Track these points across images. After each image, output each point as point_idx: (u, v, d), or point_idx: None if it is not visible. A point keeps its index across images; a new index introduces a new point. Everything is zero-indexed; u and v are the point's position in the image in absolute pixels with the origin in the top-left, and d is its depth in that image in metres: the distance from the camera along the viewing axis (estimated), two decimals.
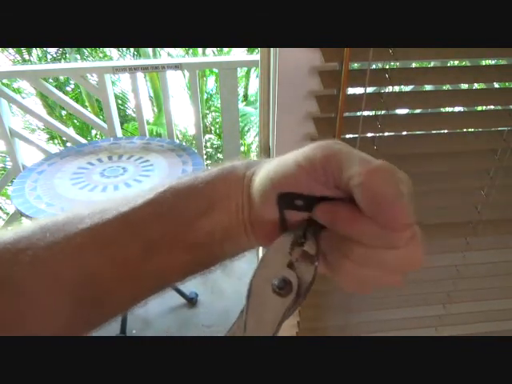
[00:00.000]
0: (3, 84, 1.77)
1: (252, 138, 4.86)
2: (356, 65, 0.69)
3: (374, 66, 0.62)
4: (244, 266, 1.93)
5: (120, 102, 4.91)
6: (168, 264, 0.27)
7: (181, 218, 0.27)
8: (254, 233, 0.28)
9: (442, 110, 0.78)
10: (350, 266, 0.23)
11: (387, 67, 0.61)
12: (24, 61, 4.56)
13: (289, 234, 0.25)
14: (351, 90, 0.63)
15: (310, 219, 0.25)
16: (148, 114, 4.99)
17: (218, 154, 5.26)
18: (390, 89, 0.64)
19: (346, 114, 0.63)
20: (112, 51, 5.09)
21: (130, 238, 0.27)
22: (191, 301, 1.73)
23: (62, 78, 4.60)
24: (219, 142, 5.26)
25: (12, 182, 1.67)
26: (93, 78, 2.36)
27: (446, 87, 1.65)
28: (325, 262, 0.25)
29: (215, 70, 4.36)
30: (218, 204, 0.27)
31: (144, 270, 0.27)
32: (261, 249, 0.99)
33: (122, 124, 2.32)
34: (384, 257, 0.22)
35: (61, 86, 4.69)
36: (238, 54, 5.33)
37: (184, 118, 5.20)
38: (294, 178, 0.24)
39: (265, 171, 0.26)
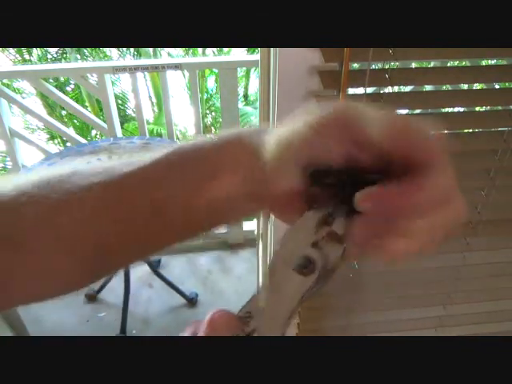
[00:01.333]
0: (3, 84, 1.77)
1: None
2: (356, 65, 0.69)
3: (373, 66, 0.62)
4: (244, 266, 1.93)
5: (120, 102, 4.91)
6: (170, 224, 0.27)
7: (186, 181, 0.26)
8: (265, 204, 0.27)
9: (442, 110, 0.78)
10: (404, 243, 0.22)
11: (387, 67, 0.61)
12: (24, 61, 4.56)
13: (316, 211, 0.23)
14: (351, 90, 0.63)
15: (341, 197, 0.23)
16: (148, 113, 4.99)
17: None
18: (390, 89, 0.64)
19: None
20: (112, 51, 5.09)
21: (137, 198, 0.26)
22: (191, 301, 1.73)
23: (62, 78, 4.60)
24: None
25: None
26: (93, 78, 2.36)
27: (446, 87, 1.65)
28: (369, 246, 0.23)
29: (215, 70, 4.36)
30: (223, 172, 0.26)
31: (149, 231, 0.27)
32: (261, 249, 0.98)
33: (122, 124, 2.32)
34: (436, 219, 0.21)
35: (61, 86, 4.69)
36: (238, 54, 5.33)
37: (184, 117, 5.20)
38: (311, 142, 0.22)
39: (277, 142, 0.24)
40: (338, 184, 0.23)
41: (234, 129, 0.28)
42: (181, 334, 0.23)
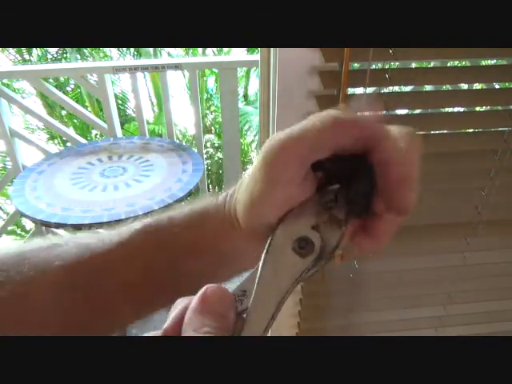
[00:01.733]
0: (3, 84, 1.77)
1: (252, 137, 4.86)
2: (356, 65, 0.69)
3: (373, 66, 0.62)
4: None
5: (120, 102, 4.91)
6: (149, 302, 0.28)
7: (162, 260, 0.28)
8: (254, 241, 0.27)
9: (442, 110, 0.78)
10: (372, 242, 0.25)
11: (387, 67, 0.61)
12: (24, 61, 4.56)
13: (319, 195, 0.24)
14: (351, 90, 0.63)
15: (344, 183, 0.24)
16: (148, 113, 4.99)
17: (218, 154, 5.26)
18: (390, 89, 0.64)
19: None
20: (112, 51, 5.09)
21: (106, 281, 0.27)
22: None
23: (62, 78, 4.60)
24: (219, 142, 5.26)
25: (12, 181, 1.67)
26: (93, 78, 2.35)
27: (446, 87, 1.65)
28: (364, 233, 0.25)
29: (215, 70, 4.36)
30: (198, 250, 0.28)
31: (121, 310, 0.28)
32: None
33: (122, 124, 2.32)
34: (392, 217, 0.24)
35: (61, 86, 4.69)
36: (238, 54, 5.33)
37: (184, 117, 5.20)
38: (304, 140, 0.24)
39: (244, 188, 0.26)
40: (337, 170, 0.24)
41: (199, 200, 0.29)
42: (170, 313, 0.21)
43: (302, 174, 0.23)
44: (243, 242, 0.27)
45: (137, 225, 0.28)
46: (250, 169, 0.26)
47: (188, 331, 0.19)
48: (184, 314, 0.20)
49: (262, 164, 0.24)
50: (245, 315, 0.21)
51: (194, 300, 0.20)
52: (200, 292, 0.20)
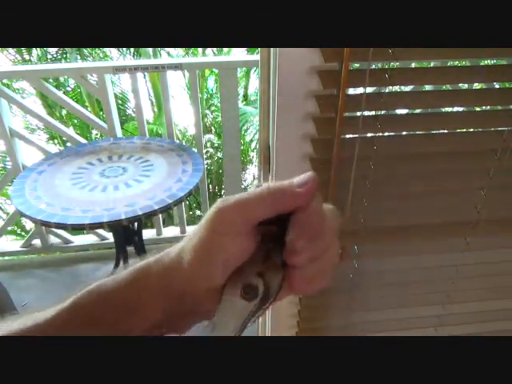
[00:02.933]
0: (3, 84, 1.77)
1: (251, 136, 4.86)
2: (356, 65, 0.69)
3: (373, 66, 0.62)
4: None
5: (120, 102, 4.91)
6: None
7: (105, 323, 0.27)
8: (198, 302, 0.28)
9: (442, 110, 0.78)
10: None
11: (387, 67, 0.61)
12: (24, 61, 4.56)
13: (263, 244, 0.27)
14: (351, 90, 0.63)
15: (279, 233, 0.27)
16: (148, 113, 4.99)
17: (218, 154, 5.27)
18: (390, 89, 0.64)
19: (346, 114, 0.63)
20: (112, 51, 5.09)
21: None
22: None
23: (62, 78, 4.60)
24: (219, 142, 5.26)
25: (12, 182, 1.67)
26: (93, 78, 2.36)
27: (446, 87, 1.65)
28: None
29: (215, 70, 4.36)
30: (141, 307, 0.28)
31: None
32: None
33: (121, 124, 2.32)
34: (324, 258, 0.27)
35: (61, 86, 4.69)
36: (238, 54, 5.33)
37: (184, 117, 5.20)
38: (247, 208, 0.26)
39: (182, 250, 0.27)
40: (274, 227, 0.27)
41: (140, 262, 0.29)
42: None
43: (248, 229, 0.26)
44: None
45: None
46: (194, 231, 0.27)
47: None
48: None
49: (212, 219, 0.26)
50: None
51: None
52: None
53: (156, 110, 4.94)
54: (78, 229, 1.33)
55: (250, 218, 0.26)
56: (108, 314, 0.28)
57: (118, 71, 1.77)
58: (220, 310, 0.25)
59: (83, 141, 1.96)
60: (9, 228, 2.37)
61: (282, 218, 0.27)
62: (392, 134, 0.68)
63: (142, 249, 1.75)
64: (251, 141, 4.96)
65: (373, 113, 0.65)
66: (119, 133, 1.94)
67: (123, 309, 0.28)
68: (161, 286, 0.28)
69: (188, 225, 2.17)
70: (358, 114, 0.64)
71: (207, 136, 5.27)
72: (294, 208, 0.26)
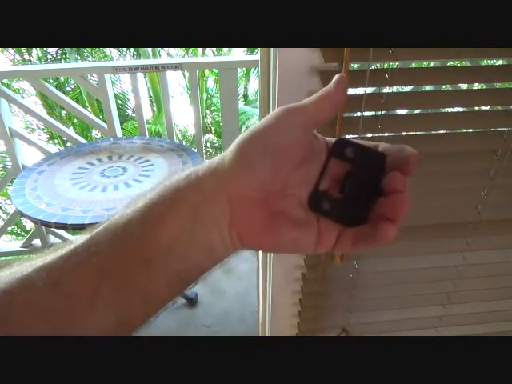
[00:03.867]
0: (3, 84, 1.77)
1: None
2: (356, 65, 0.69)
3: (373, 66, 0.62)
4: (244, 266, 1.93)
5: (120, 102, 4.91)
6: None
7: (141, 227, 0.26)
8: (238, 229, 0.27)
9: (442, 110, 0.78)
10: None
11: (387, 67, 0.61)
12: (24, 61, 4.56)
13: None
14: (351, 90, 0.63)
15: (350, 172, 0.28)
16: (147, 113, 4.99)
17: (218, 154, 5.26)
18: (390, 89, 0.64)
19: (346, 114, 0.63)
20: (112, 51, 5.09)
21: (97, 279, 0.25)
22: (191, 301, 1.73)
23: (62, 78, 4.60)
24: (219, 142, 5.27)
25: (12, 181, 1.67)
26: (93, 78, 2.36)
27: (446, 87, 1.66)
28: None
29: (215, 70, 4.36)
30: (172, 209, 0.27)
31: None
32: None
33: (121, 124, 2.32)
34: None
35: (61, 86, 4.69)
36: (238, 54, 5.34)
37: (184, 117, 5.20)
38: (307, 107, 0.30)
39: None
40: (354, 157, 0.28)
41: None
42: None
43: (306, 125, 0.29)
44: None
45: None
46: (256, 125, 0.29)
47: None
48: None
49: (269, 116, 0.28)
50: None
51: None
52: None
53: (156, 109, 4.94)
54: (77, 229, 1.33)
55: (310, 114, 0.29)
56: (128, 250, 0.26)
57: (117, 71, 1.77)
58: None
59: (83, 141, 1.96)
60: (9, 228, 2.37)
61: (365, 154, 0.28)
62: (392, 134, 0.68)
63: None
64: None
65: (373, 113, 0.65)
66: (119, 133, 1.94)
67: (150, 224, 0.26)
68: (191, 194, 0.26)
69: None
70: (358, 114, 0.64)
71: (207, 136, 5.27)
72: (342, 98, 0.29)
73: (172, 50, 5.28)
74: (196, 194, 0.27)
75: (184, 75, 4.91)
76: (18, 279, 0.24)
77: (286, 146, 0.27)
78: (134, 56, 4.97)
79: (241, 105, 4.95)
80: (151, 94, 4.90)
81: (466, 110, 0.73)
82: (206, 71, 4.94)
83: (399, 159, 0.28)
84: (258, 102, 0.77)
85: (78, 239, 0.26)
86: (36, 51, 4.63)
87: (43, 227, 1.98)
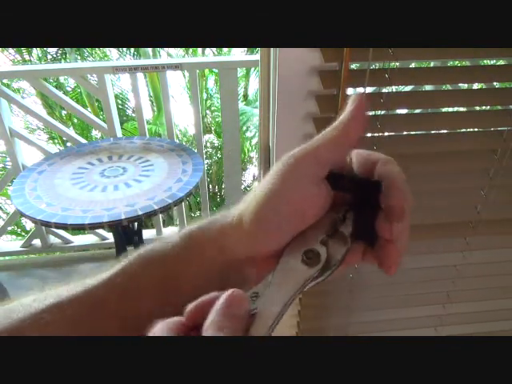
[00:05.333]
0: (3, 84, 1.77)
1: (251, 136, 4.86)
2: (356, 65, 0.69)
3: (373, 66, 0.62)
4: None
5: (120, 102, 4.91)
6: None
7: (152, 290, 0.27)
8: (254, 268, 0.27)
9: (442, 110, 0.78)
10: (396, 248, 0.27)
11: (387, 67, 0.61)
12: (24, 61, 4.56)
13: (330, 213, 0.27)
14: (351, 90, 0.63)
15: (354, 203, 0.27)
16: (147, 113, 4.99)
17: (218, 154, 5.27)
18: (389, 89, 0.64)
19: None
20: (112, 51, 5.09)
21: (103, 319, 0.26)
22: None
23: (62, 78, 4.60)
24: (219, 142, 5.27)
25: (12, 181, 1.67)
26: (93, 78, 2.35)
27: (446, 87, 1.65)
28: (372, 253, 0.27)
29: (215, 70, 4.36)
30: (188, 267, 0.27)
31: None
32: None
33: (121, 124, 2.32)
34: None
35: (61, 86, 4.69)
36: (238, 54, 5.34)
37: (184, 117, 5.20)
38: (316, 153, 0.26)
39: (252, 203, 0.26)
40: (351, 189, 0.27)
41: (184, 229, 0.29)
42: (187, 309, 0.22)
43: (321, 176, 0.25)
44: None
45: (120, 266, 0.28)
46: (255, 191, 0.26)
47: (210, 330, 0.21)
48: (206, 306, 0.21)
49: (284, 169, 0.25)
50: (254, 313, 0.23)
51: (219, 302, 0.21)
52: (225, 296, 0.21)
53: (156, 109, 4.94)
54: (77, 229, 1.33)
55: (324, 161, 0.25)
56: (157, 281, 0.27)
57: (117, 71, 1.77)
58: (278, 270, 0.25)
59: (83, 141, 1.96)
60: (9, 228, 2.37)
61: (359, 184, 0.27)
62: (392, 133, 0.68)
63: None
64: (251, 141, 4.97)
65: (373, 113, 0.65)
66: (119, 133, 1.94)
67: (173, 275, 0.27)
68: (215, 252, 0.27)
69: (188, 225, 2.17)
70: None
71: (207, 136, 5.27)
72: (360, 133, 0.26)
73: (172, 50, 5.28)
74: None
75: (184, 75, 4.90)
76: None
77: (302, 211, 0.25)
78: (134, 56, 4.97)
79: (241, 105, 4.95)
80: (151, 94, 4.89)
81: (465, 109, 0.73)
82: (206, 71, 4.94)
83: (386, 207, 0.26)
84: (257, 102, 0.77)
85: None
86: (36, 51, 4.63)
87: (43, 227, 1.98)
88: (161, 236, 2.15)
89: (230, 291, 0.21)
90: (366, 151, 0.27)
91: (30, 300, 0.26)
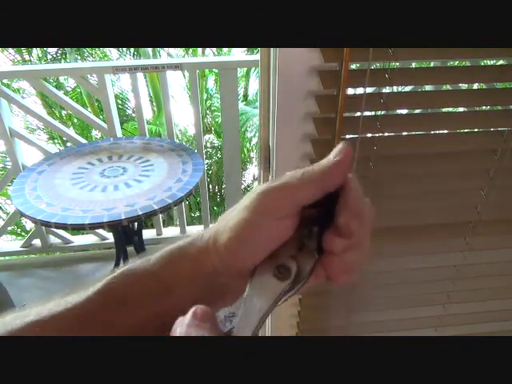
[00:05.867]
0: (3, 84, 1.77)
1: (251, 135, 4.86)
2: (356, 65, 0.69)
3: (373, 66, 0.62)
4: None
5: (120, 102, 4.91)
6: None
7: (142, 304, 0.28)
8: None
9: (442, 110, 0.78)
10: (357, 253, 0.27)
11: (387, 67, 0.61)
12: (24, 61, 4.56)
13: (300, 229, 0.28)
14: (351, 90, 0.63)
15: (318, 217, 0.28)
16: (147, 113, 4.99)
17: (218, 154, 5.27)
18: (389, 89, 0.64)
19: (346, 115, 0.63)
20: (112, 51, 5.09)
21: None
22: None
23: (62, 78, 4.60)
24: (219, 142, 5.27)
25: (12, 181, 1.67)
26: (93, 78, 2.35)
27: (446, 87, 1.65)
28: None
29: (215, 70, 4.36)
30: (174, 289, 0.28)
31: None
32: None
33: (121, 124, 2.31)
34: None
35: (61, 86, 4.69)
36: (238, 54, 5.34)
37: (184, 117, 5.20)
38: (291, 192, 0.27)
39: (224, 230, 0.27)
40: (316, 205, 0.28)
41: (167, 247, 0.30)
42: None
43: (293, 212, 0.27)
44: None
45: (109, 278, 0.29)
46: (230, 213, 0.28)
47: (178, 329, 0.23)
48: None
49: (258, 201, 0.26)
50: (231, 331, 0.25)
51: (187, 316, 0.23)
52: (191, 311, 0.23)
53: (156, 109, 4.94)
54: (77, 229, 1.33)
55: (298, 202, 0.26)
56: (141, 296, 0.28)
57: (117, 71, 1.77)
58: (251, 286, 0.26)
59: (83, 141, 1.96)
60: (9, 228, 2.37)
61: (318, 203, 0.27)
62: (392, 134, 0.68)
63: (141, 249, 1.75)
64: (251, 140, 4.97)
65: (373, 113, 0.65)
66: (119, 133, 1.94)
67: (156, 292, 0.28)
68: (194, 269, 0.28)
69: (188, 225, 2.17)
70: (358, 114, 0.64)
71: (207, 136, 5.27)
72: (340, 183, 0.26)
73: (172, 50, 5.28)
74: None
75: (184, 75, 4.90)
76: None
77: (274, 239, 0.27)
78: (134, 56, 4.97)
79: (241, 105, 4.95)
80: (151, 94, 4.89)
81: (466, 109, 0.73)
82: (206, 71, 4.94)
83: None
84: (257, 102, 0.77)
85: None
86: (36, 51, 4.63)
87: (43, 227, 1.98)
88: (161, 236, 2.15)
89: (194, 307, 0.23)
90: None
91: (11, 318, 0.27)
